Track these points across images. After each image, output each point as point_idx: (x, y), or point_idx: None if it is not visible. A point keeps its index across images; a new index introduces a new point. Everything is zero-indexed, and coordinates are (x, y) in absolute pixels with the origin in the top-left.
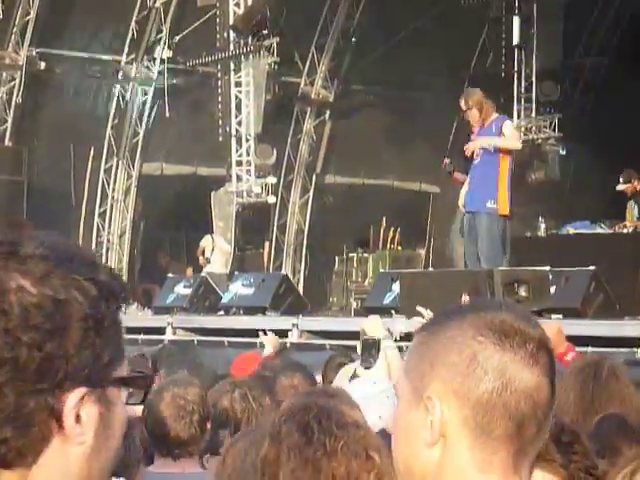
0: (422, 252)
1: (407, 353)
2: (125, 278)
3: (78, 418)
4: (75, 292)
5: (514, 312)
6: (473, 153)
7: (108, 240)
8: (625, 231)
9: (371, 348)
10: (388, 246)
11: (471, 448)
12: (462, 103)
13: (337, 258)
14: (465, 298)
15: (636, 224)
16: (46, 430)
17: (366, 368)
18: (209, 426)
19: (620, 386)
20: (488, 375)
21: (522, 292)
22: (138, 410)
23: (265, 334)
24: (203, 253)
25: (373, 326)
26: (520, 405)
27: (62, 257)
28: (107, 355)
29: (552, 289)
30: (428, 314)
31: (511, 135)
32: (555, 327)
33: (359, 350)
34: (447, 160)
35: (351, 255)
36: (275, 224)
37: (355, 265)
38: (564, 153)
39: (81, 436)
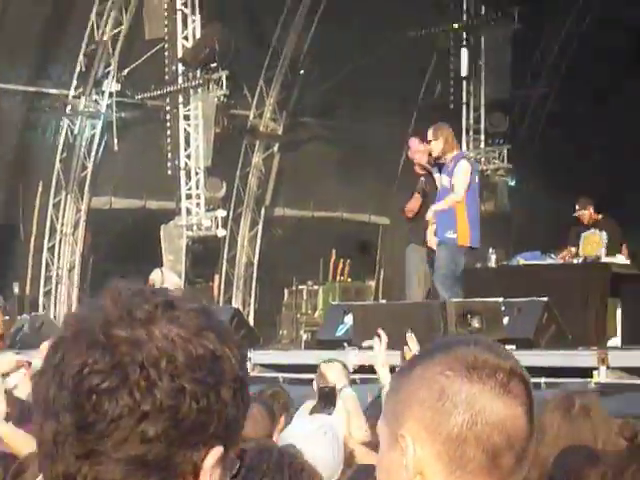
0: (372, 283)
1: (384, 398)
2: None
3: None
4: (228, 351)
5: (482, 345)
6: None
7: (57, 274)
8: (575, 261)
9: (327, 397)
10: (338, 278)
11: None
12: (430, 133)
13: (286, 290)
14: (409, 335)
15: (586, 255)
16: None
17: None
18: None
19: (592, 423)
20: (457, 408)
21: (475, 323)
22: None
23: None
24: (153, 287)
25: (335, 375)
26: (493, 436)
27: (211, 316)
28: (243, 420)
29: (505, 320)
30: (380, 341)
31: (457, 183)
32: None
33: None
34: (423, 179)
35: (301, 287)
36: (225, 257)
37: (305, 297)
38: (513, 184)
39: None
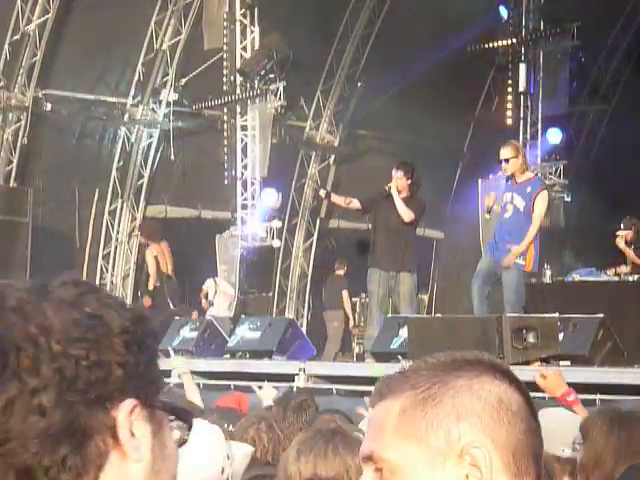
0: (425, 297)
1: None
2: None
3: (132, 433)
4: (111, 310)
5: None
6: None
7: (112, 282)
8: (631, 279)
9: None
10: None
11: None
12: (509, 149)
13: None
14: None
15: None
16: (102, 444)
17: None
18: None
19: None
20: (517, 417)
21: (530, 339)
22: None
23: (260, 389)
24: (206, 296)
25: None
26: (538, 445)
27: (91, 287)
28: (151, 374)
29: (560, 336)
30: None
31: (538, 215)
32: (555, 372)
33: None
34: (323, 191)
35: (354, 300)
36: (279, 268)
37: (357, 310)
38: (569, 200)
39: (137, 450)
